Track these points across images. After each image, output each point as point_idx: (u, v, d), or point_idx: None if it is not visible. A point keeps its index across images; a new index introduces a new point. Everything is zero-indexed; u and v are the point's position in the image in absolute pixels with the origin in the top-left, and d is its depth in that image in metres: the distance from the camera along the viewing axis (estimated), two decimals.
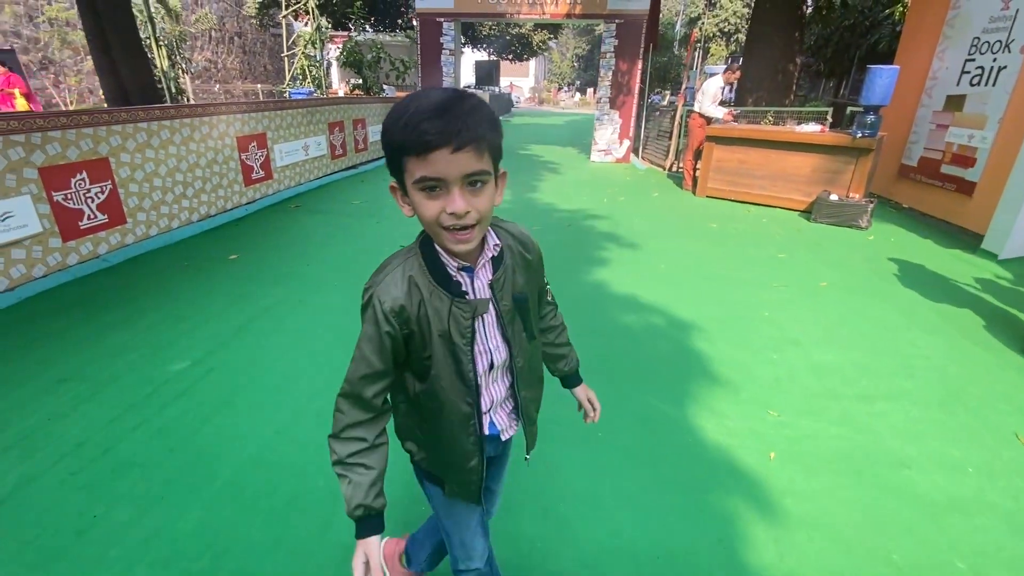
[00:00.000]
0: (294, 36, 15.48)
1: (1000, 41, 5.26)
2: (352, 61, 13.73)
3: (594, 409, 1.29)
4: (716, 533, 1.78)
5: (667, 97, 18.88)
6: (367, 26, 19.13)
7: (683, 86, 10.00)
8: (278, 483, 1.95)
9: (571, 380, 1.31)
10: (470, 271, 0.92)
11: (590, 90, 39.74)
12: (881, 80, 5.51)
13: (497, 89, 27.03)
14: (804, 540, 1.75)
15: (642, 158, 10.94)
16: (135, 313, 3.30)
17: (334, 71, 19.38)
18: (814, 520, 1.83)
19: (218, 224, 5.32)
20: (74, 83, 14.40)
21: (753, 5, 11.11)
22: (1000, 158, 5.04)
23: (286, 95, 13.32)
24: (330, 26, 15.82)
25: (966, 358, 2.99)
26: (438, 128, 0.73)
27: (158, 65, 11.00)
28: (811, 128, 6.37)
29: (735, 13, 29.25)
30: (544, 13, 10.07)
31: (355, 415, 0.96)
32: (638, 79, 9.89)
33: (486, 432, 1.04)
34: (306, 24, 15.37)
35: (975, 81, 5.57)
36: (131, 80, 7.10)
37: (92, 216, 4.06)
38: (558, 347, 1.27)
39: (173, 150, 4.82)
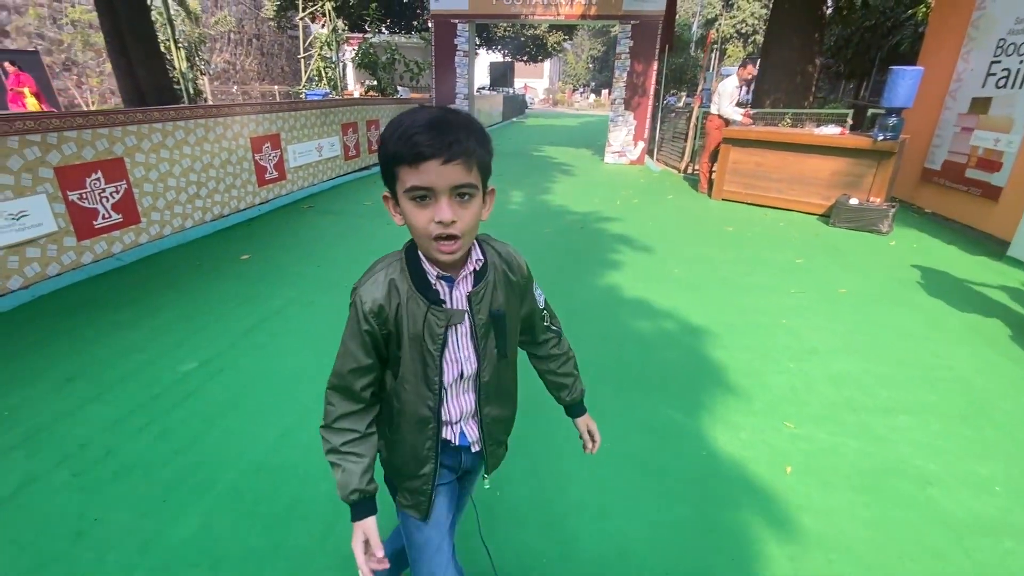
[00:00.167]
0: (311, 38, 15.62)
1: None
2: (367, 63, 13.82)
3: (593, 441, 1.28)
4: (729, 550, 1.71)
5: (682, 99, 18.71)
6: (382, 28, 19.24)
7: (699, 87, 9.87)
8: (280, 488, 1.92)
9: (573, 410, 1.29)
10: (450, 281, 0.95)
11: (605, 91, 39.59)
12: (904, 82, 5.37)
13: (511, 90, 26.97)
14: (822, 561, 1.68)
15: (657, 160, 10.83)
16: (146, 312, 3.31)
17: (349, 72, 19.50)
18: (832, 540, 1.75)
19: (231, 224, 5.34)
20: (96, 84, 14.65)
21: (772, 6, 10.95)
22: None
23: (302, 96, 13.43)
24: (346, 28, 15.91)
25: (992, 370, 2.88)
26: (430, 140, 0.78)
27: (176, 66, 11.14)
28: (831, 130, 6.23)
29: (753, 14, 28.96)
30: (559, 14, 10.02)
31: (345, 406, 1.00)
32: (653, 80, 9.79)
33: (456, 442, 1.07)
34: (323, 26, 15.49)
35: (1001, 83, 5.41)
36: (147, 81, 7.18)
37: (107, 215, 4.09)
38: (561, 376, 1.24)
39: (187, 150, 4.85)
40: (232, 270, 4.10)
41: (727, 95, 7.10)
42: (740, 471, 2.06)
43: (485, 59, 29.05)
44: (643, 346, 3.08)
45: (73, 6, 13.89)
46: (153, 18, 9.48)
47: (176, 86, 10.79)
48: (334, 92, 14.29)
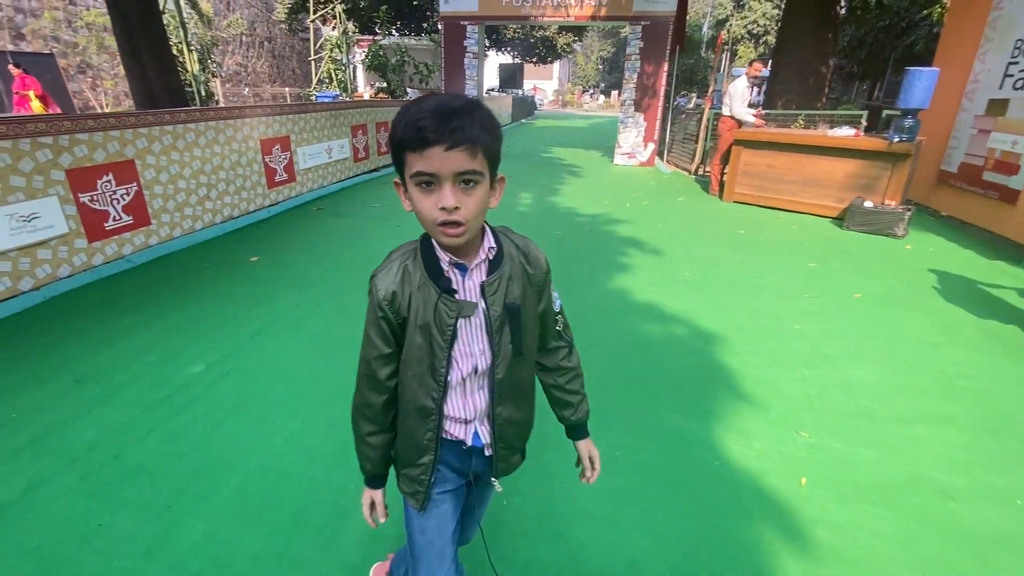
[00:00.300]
0: (321, 40, 15.70)
1: None
2: (377, 65, 13.87)
3: (593, 469, 1.21)
4: (742, 564, 1.66)
5: (693, 100, 18.59)
6: (392, 30, 19.31)
7: (710, 89, 9.80)
8: (284, 495, 1.90)
9: (575, 431, 1.22)
10: (463, 269, 0.94)
11: (614, 93, 39.45)
12: (920, 83, 5.27)
13: (520, 92, 26.97)
14: None
15: (667, 162, 10.75)
16: (155, 315, 3.31)
17: (359, 74, 19.59)
18: (849, 555, 1.70)
19: (241, 226, 5.36)
20: (110, 86, 14.81)
21: (784, 6, 10.84)
22: None
23: (312, 98, 13.51)
24: (356, 30, 15.99)
25: (1012, 379, 2.80)
26: (434, 127, 0.79)
27: (188, 69, 11.23)
28: (845, 132, 6.14)
29: (764, 15, 28.73)
30: (569, 15, 9.99)
31: (371, 396, 1.03)
32: (664, 81, 9.73)
33: (469, 442, 1.04)
34: (333, 29, 15.58)
35: (1019, 85, 5.30)
36: (159, 83, 7.23)
37: (117, 217, 4.11)
38: (567, 393, 1.18)
39: (198, 152, 4.87)
40: (241, 272, 4.11)
41: (738, 96, 7.03)
42: (753, 482, 2.02)
43: (494, 61, 29.07)
44: (652, 350, 3.03)
45: (88, 9, 14.07)
46: (166, 21, 9.58)
47: (188, 88, 10.89)
48: (344, 94, 14.35)
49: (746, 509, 1.89)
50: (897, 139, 5.51)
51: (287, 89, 21.43)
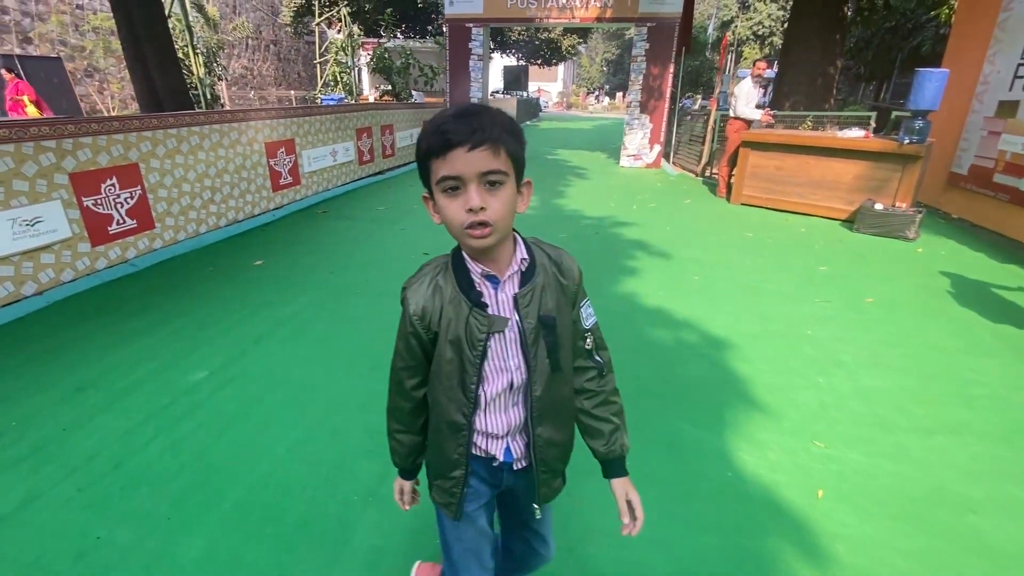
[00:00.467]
0: (326, 43, 15.73)
1: None
2: (382, 67, 13.87)
3: (635, 519, 1.04)
4: None
5: (698, 101, 18.51)
6: (397, 33, 19.33)
7: (716, 90, 9.73)
8: (287, 507, 1.85)
9: (608, 468, 1.07)
10: (495, 281, 0.91)
11: (619, 94, 39.39)
12: (931, 84, 5.20)
13: (525, 94, 26.95)
14: None
15: (673, 163, 10.69)
16: (159, 319, 3.28)
17: (364, 77, 19.63)
18: (868, 571, 1.64)
19: (245, 229, 5.34)
20: (117, 90, 14.89)
21: (791, 7, 10.77)
22: None
23: (318, 101, 13.52)
24: (361, 33, 16.00)
25: None
26: (455, 128, 0.79)
27: (194, 72, 11.25)
28: (854, 133, 6.07)
29: (769, 16, 28.64)
30: (574, 17, 9.95)
31: (397, 401, 1.05)
32: (670, 83, 9.67)
33: (501, 458, 1.02)
34: (338, 32, 15.60)
35: None
36: (164, 87, 7.22)
37: (121, 221, 4.09)
38: (595, 419, 1.06)
39: (202, 155, 4.85)
40: (245, 276, 4.08)
41: (743, 96, 6.97)
42: (768, 494, 1.96)
43: (499, 63, 29.05)
44: (661, 357, 2.98)
45: (95, 13, 14.14)
46: (172, 25, 9.60)
47: (194, 92, 10.91)
48: (349, 97, 14.36)
49: (761, 523, 1.83)
50: (908, 140, 5.43)
51: (292, 92, 21.50)
